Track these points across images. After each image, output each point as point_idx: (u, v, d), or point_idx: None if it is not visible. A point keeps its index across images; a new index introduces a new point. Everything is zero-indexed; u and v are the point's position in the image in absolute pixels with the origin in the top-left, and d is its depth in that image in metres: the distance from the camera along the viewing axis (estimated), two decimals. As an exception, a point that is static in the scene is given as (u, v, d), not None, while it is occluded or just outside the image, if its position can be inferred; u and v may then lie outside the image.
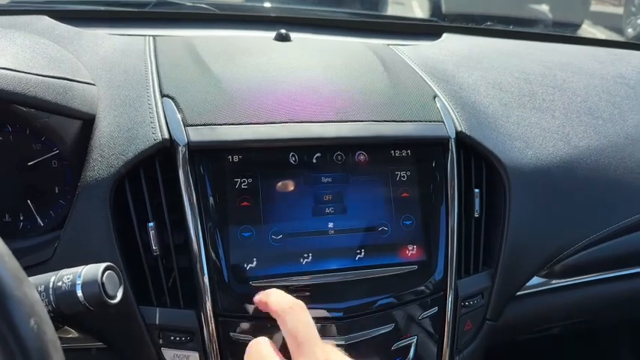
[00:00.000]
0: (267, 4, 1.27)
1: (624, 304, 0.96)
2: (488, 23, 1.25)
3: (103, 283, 0.50)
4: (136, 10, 1.05)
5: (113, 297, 0.51)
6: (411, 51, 0.96)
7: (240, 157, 0.65)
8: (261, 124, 0.67)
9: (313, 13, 1.22)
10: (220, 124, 0.66)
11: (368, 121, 0.71)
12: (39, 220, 0.68)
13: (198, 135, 0.64)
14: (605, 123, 0.89)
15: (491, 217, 0.77)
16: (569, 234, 0.81)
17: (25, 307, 0.35)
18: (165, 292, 0.65)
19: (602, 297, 0.90)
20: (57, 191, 0.68)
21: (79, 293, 0.49)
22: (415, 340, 0.70)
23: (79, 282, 0.49)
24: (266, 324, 0.63)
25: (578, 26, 1.66)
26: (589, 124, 0.88)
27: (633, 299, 0.94)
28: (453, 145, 0.73)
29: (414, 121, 0.73)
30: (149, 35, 0.89)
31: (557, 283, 0.85)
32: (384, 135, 0.71)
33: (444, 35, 1.09)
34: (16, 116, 0.65)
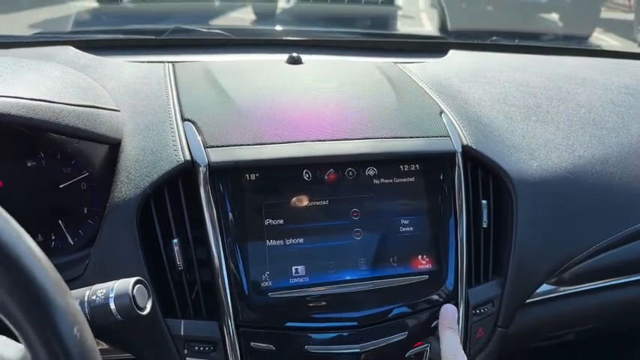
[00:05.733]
0: (278, 28, 1.32)
1: (633, 310, 0.97)
2: (494, 38, 1.28)
3: (133, 296, 0.54)
4: (153, 37, 1.10)
5: (143, 308, 0.55)
6: (418, 68, 1.00)
7: (257, 175, 0.69)
8: (276, 143, 0.71)
9: (323, 35, 1.26)
10: (238, 145, 0.70)
11: (378, 138, 0.74)
12: (69, 239, 0.73)
13: (217, 156, 0.68)
14: (609, 133, 0.91)
15: (499, 227, 0.80)
16: (576, 242, 0.83)
17: (69, 316, 0.39)
18: (189, 305, 0.69)
19: (611, 304, 0.91)
20: (86, 212, 0.73)
21: (112, 305, 0.53)
22: (428, 347, 0.72)
23: (111, 295, 0.53)
24: (284, 333, 0.67)
25: (585, 38, 1.68)
26: (593, 135, 0.90)
27: (642, 305, 0.95)
28: (459, 158, 0.76)
29: (422, 137, 0.76)
30: (167, 62, 0.94)
31: (566, 290, 0.86)
32: (394, 151, 0.74)
33: (450, 52, 1.12)
34: (48, 143, 0.69)
